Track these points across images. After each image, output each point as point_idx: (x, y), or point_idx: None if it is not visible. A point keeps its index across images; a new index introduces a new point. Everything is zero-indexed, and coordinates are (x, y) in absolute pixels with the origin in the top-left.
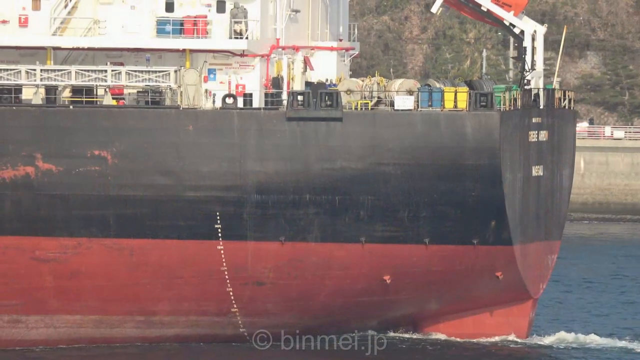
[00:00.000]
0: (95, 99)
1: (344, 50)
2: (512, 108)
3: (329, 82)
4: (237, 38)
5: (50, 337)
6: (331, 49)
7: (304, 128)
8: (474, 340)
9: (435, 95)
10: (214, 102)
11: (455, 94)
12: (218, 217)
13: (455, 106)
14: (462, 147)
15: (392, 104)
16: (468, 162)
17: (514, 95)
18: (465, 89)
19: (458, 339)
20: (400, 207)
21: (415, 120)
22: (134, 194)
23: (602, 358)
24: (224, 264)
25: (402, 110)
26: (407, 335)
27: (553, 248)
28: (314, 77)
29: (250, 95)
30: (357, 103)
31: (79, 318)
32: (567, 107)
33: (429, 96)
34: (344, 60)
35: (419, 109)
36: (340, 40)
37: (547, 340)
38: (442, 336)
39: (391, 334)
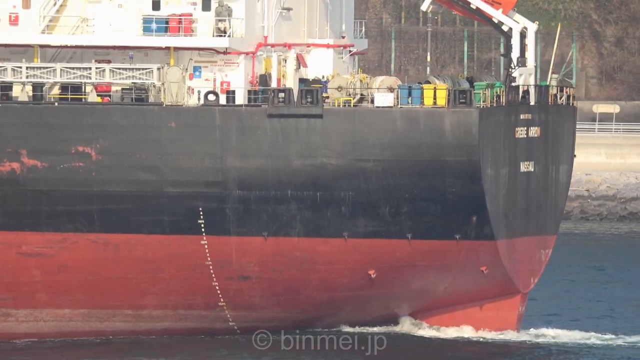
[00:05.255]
0: (83, 97)
1: (341, 48)
2: (494, 105)
3: (325, 79)
4: (220, 36)
5: (40, 330)
6: (327, 46)
7: (285, 125)
8: (473, 339)
9: (415, 93)
10: (198, 99)
11: (435, 91)
12: (201, 213)
13: (435, 103)
14: (442, 144)
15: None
16: (447, 158)
17: (496, 92)
18: (445, 86)
19: (455, 338)
20: (382, 202)
21: (394, 117)
22: (118, 190)
23: (596, 354)
24: (209, 259)
25: (382, 107)
26: (406, 333)
27: (547, 243)
28: (310, 74)
29: (234, 92)
30: (340, 100)
31: (68, 312)
32: (565, 103)
33: (408, 93)
34: (342, 57)
35: (399, 106)
36: (343, 37)
37: (537, 334)
38: (438, 334)
39: (386, 328)
